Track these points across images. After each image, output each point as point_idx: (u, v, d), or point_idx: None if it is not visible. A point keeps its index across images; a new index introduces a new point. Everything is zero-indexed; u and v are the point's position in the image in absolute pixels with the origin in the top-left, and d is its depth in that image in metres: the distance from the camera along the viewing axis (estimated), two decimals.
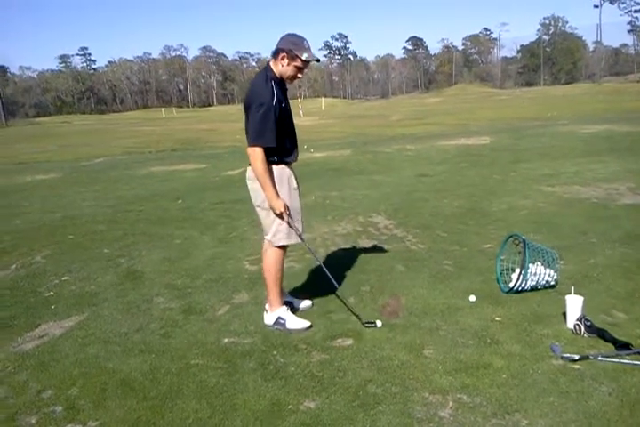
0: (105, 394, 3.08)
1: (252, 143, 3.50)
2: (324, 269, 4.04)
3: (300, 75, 3.67)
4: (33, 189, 12.26)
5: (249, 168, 3.73)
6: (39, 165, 18.29)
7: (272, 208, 3.65)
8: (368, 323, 3.76)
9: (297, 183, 3.83)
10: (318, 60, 3.76)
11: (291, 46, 3.53)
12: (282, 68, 3.58)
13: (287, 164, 3.73)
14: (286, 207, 3.67)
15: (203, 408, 2.88)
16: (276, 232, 3.75)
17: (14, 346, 3.82)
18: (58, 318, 4.31)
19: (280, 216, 3.68)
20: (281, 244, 3.80)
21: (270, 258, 3.84)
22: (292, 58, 3.54)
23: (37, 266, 5.81)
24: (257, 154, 3.49)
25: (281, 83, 3.65)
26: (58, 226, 7.75)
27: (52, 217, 8.48)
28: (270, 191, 3.58)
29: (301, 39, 3.59)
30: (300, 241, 3.86)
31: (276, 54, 3.58)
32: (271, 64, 3.63)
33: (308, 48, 3.57)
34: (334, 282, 4.02)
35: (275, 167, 3.65)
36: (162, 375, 3.26)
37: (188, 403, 2.94)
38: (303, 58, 3.54)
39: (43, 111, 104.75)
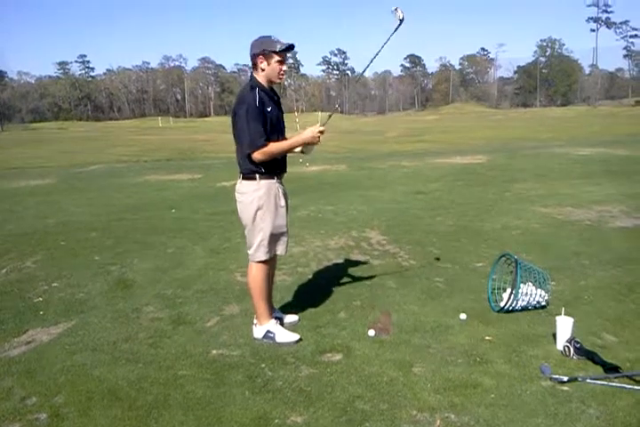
0: (90, 403, 3.05)
1: (252, 150, 3.51)
2: None
3: (284, 68, 3.65)
4: (27, 194, 12.21)
5: (239, 182, 3.76)
6: (34, 170, 18.25)
7: (311, 140, 3.64)
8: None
9: (285, 200, 3.82)
10: (293, 46, 3.64)
11: (262, 46, 3.55)
12: (265, 71, 3.59)
13: (276, 177, 3.73)
14: (314, 133, 3.63)
15: (189, 420, 2.86)
16: (258, 247, 3.75)
17: (0, 351, 3.78)
18: (46, 324, 4.27)
19: (314, 135, 3.64)
20: (261, 259, 3.78)
21: (254, 274, 3.83)
22: (269, 56, 3.55)
23: (27, 271, 5.77)
24: (262, 155, 3.53)
25: (269, 91, 3.66)
26: (50, 232, 7.72)
27: (45, 223, 8.44)
28: (295, 143, 3.64)
29: (267, 36, 3.61)
30: (281, 253, 3.90)
31: (254, 63, 3.60)
32: (254, 74, 3.66)
33: (278, 40, 3.59)
34: None
35: (264, 182, 3.66)
36: (149, 385, 3.23)
37: (174, 414, 2.91)
38: (277, 49, 3.54)
39: (39, 117, 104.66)
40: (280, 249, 3.89)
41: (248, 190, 3.67)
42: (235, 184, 3.85)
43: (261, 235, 3.72)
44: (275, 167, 3.71)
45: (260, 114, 3.51)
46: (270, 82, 3.66)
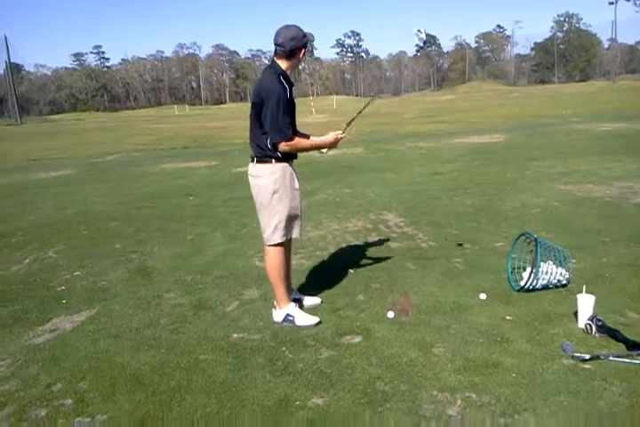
0: (114, 388, 3.10)
1: (279, 140, 3.60)
2: None
3: None
4: (47, 185, 12.35)
5: (250, 164, 3.80)
6: (53, 162, 18.44)
7: (332, 143, 3.87)
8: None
9: (298, 183, 3.85)
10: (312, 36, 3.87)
11: (304, 40, 3.66)
12: (297, 60, 3.72)
13: (290, 160, 3.77)
14: (337, 138, 3.86)
15: (211, 403, 2.89)
16: (275, 230, 3.76)
17: (26, 339, 3.86)
18: (69, 312, 4.34)
19: (336, 141, 3.88)
20: (278, 242, 3.80)
21: (271, 258, 3.85)
22: (306, 47, 3.71)
23: (50, 261, 5.85)
24: (288, 147, 3.64)
25: (288, 77, 3.71)
26: (71, 222, 7.81)
27: (65, 213, 8.54)
28: (320, 145, 3.87)
29: (297, 26, 3.69)
30: (297, 236, 3.93)
31: (292, 53, 3.64)
32: (278, 61, 3.68)
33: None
34: None
35: (278, 165, 3.68)
36: (171, 370, 3.27)
37: (197, 398, 2.95)
38: (310, 41, 3.82)
39: (57, 108, 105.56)
40: (296, 232, 3.92)
41: (264, 173, 3.70)
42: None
43: (277, 217, 3.74)
44: (290, 154, 3.75)
45: (288, 105, 3.61)
46: (293, 68, 3.76)
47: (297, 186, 3.82)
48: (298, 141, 3.67)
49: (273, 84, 3.58)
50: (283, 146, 3.61)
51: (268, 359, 3.34)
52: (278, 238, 3.79)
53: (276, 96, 3.54)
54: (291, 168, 3.77)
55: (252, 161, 3.77)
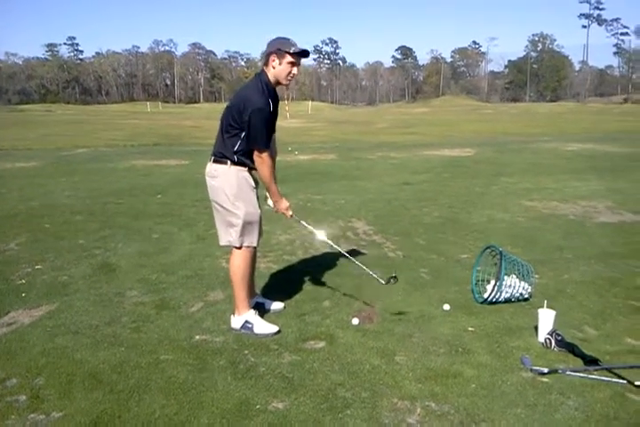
0: (71, 385, 3.03)
1: (262, 149, 3.58)
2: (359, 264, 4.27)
3: (294, 71, 3.66)
4: (12, 176, 12.07)
5: (208, 164, 3.76)
6: (20, 152, 18.03)
7: (278, 208, 3.91)
8: (392, 278, 4.01)
9: (256, 191, 3.80)
10: (307, 53, 3.66)
11: (277, 46, 3.58)
12: (275, 69, 3.60)
13: (247, 168, 3.72)
14: (285, 208, 3.90)
15: (170, 404, 2.85)
16: (245, 232, 3.70)
17: None
18: (28, 306, 4.24)
19: (281, 208, 3.91)
20: (253, 244, 3.78)
21: (238, 262, 3.79)
22: (282, 55, 3.57)
23: (11, 253, 5.72)
24: (265, 159, 3.61)
25: (273, 92, 3.67)
26: (35, 214, 7.64)
27: (30, 205, 8.36)
28: (276, 193, 3.80)
29: (287, 39, 3.63)
30: (253, 244, 3.83)
31: (266, 60, 3.62)
32: (264, 70, 3.65)
33: (295, 44, 3.60)
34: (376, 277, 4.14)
35: (233, 167, 3.66)
36: (130, 369, 3.22)
37: (155, 398, 2.91)
38: (291, 51, 3.56)
39: (26, 98, 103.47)
40: (254, 240, 3.82)
41: (219, 174, 3.67)
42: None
43: (233, 221, 3.68)
44: (249, 163, 3.69)
45: (269, 120, 3.60)
46: (277, 82, 3.67)
47: (254, 184, 3.76)
48: (268, 165, 3.63)
49: (256, 98, 3.53)
50: (257, 156, 3.60)
51: (230, 362, 3.32)
52: (253, 240, 3.76)
53: (258, 108, 3.50)
54: (247, 174, 3.72)
55: (210, 160, 3.75)
